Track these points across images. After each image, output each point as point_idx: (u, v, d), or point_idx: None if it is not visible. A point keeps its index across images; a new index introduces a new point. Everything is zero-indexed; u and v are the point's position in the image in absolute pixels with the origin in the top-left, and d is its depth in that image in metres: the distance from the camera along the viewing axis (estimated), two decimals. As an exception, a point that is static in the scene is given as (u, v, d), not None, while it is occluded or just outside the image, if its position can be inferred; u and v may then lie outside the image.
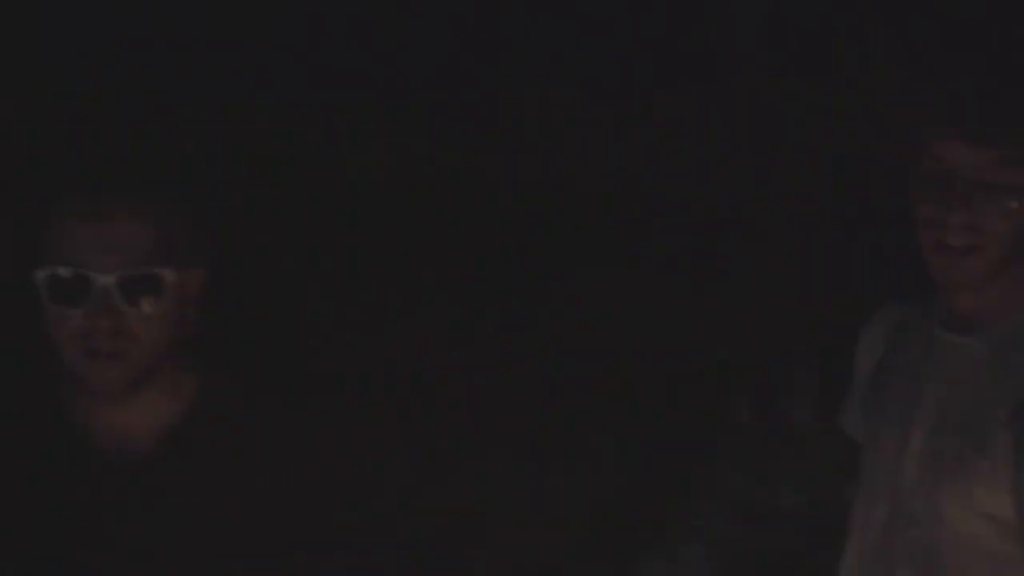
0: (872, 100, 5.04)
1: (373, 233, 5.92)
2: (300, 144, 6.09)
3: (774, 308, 5.42)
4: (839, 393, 2.55)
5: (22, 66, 5.90)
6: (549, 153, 5.99)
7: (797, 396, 5.28)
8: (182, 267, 2.31)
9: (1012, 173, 2.17)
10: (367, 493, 2.43)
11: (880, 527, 2.27)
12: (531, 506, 5.42)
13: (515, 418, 5.37)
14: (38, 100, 5.90)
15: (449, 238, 5.82)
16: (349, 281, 6.01)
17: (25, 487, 2.23)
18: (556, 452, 5.51)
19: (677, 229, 5.78)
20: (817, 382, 5.21)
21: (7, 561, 2.19)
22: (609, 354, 5.45)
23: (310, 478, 2.27)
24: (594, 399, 5.37)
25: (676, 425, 4.96)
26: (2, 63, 5.82)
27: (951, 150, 2.18)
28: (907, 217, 2.34)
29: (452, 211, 5.77)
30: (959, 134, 2.18)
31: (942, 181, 2.18)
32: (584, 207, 5.98)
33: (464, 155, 5.74)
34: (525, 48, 5.90)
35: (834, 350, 2.68)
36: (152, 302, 2.23)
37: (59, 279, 2.24)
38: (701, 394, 5.14)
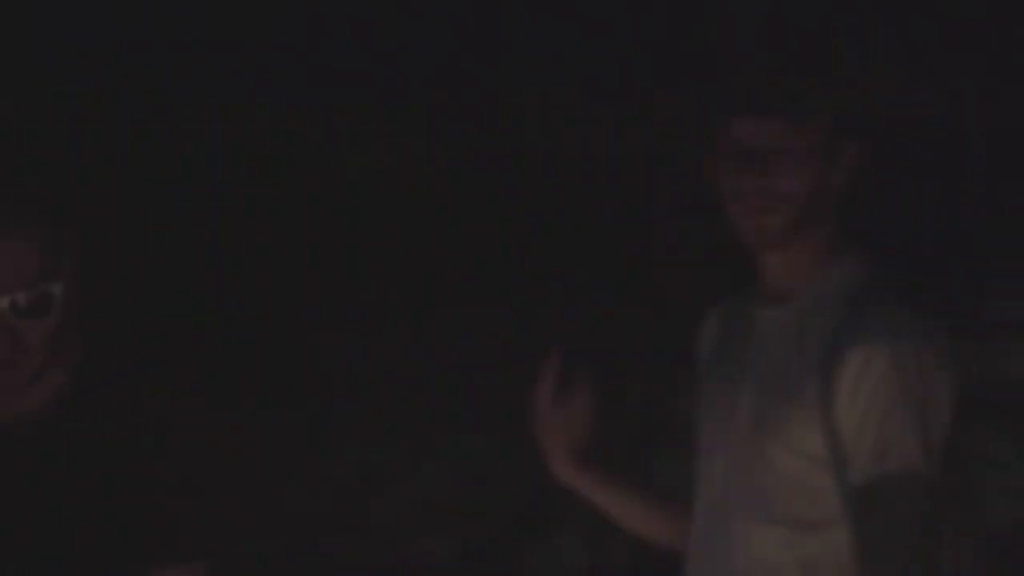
0: (872, 100, 5.05)
1: (372, 233, 5.92)
2: (300, 144, 6.09)
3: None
4: None
5: (19, 66, 5.91)
6: (550, 153, 6.00)
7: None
8: (69, 279, 2.41)
9: (796, 136, 2.45)
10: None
11: (718, 483, 2.56)
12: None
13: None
14: None
15: (448, 237, 5.83)
16: (348, 281, 6.01)
17: None
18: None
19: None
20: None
21: None
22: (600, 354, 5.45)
23: (157, 466, 2.50)
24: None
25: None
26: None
27: (739, 123, 2.46)
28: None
29: (452, 211, 5.78)
30: (743, 108, 2.47)
31: (737, 153, 2.46)
32: (584, 206, 5.99)
33: (464, 155, 5.75)
34: (525, 48, 5.90)
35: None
36: (44, 317, 2.36)
37: None
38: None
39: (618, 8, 5.74)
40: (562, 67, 5.87)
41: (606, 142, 6.07)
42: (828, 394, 2.43)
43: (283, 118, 6.10)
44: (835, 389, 2.43)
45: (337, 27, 6.04)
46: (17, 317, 2.34)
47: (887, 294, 2.50)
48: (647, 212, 5.85)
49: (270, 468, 5.52)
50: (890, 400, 2.40)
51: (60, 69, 5.97)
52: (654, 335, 5.45)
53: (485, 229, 5.74)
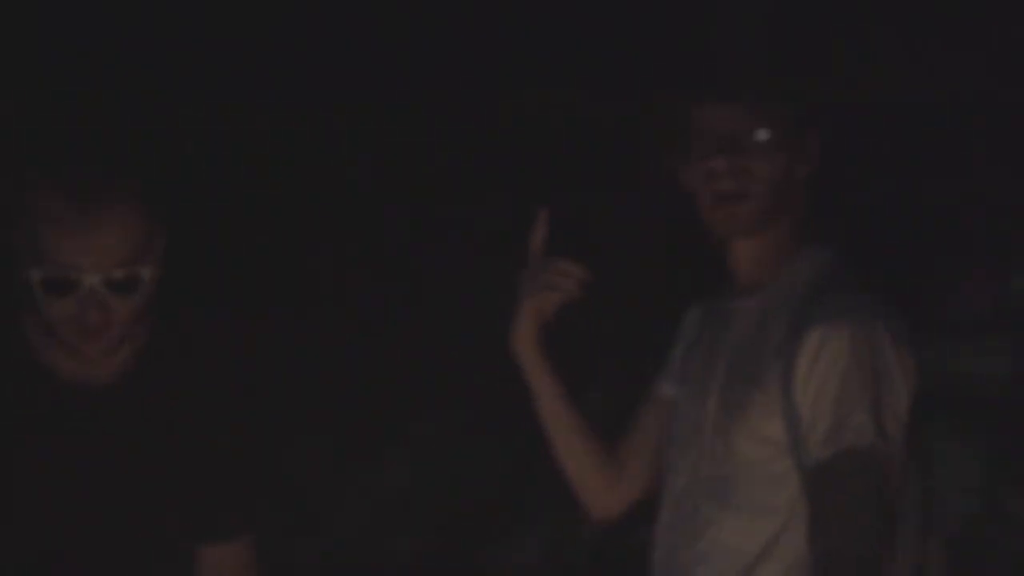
0: (872, 100, 5.05)
1: (372, 233, 5.92)
2: (300, 144, 6.09)
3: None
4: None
5: (20, 66, 5.90)
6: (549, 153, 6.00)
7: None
8: (155, 263, 2.70)
9: (765, 123, 2.49)
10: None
11: (687, 472, 2.60)
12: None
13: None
14: (34, 100, 5.90)
15: (448, 237, 5.83)
16: (347, 280, 6.02)
17: None
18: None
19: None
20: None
21: None
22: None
23: (239, 423, 2.75)
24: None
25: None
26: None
27: (711, 110, 2.51)
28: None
29: (452, 212, 5.78)
30: (716, 94, 2.51)
31: (710, 140, 2.50)
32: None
33: (465, 155, 5.75)
34: (525, 48, 5.90)
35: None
36: (133, 295, 2.63)
37: (52, 280, 2.57)
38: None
39: (618, 8, 5.75)
40: (562, 67, 5.87)
41: (607, 142, 6.07)
42: (788, 378, 2.48)
43: (283, 118, 6.09)
44: (793, 371, 2.47)
45: (337, 27, 6.04)
46: (110, 292, 2.57)
47: (848, 281, 2.54)
48: (645, 212, 5.85)
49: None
50: (844, 379, 2.43)
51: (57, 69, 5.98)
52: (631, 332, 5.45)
53: (484, 228, 5.74)
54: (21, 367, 2.67)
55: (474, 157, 5.72)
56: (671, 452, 2.69)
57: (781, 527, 2.50)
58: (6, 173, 2.87)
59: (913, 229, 5.01)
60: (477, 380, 5.04)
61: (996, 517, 4.72)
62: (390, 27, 5.98)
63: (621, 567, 4.62)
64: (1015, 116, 4.83)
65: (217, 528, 2.77)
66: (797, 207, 2.57)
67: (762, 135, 2.50)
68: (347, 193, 5.98)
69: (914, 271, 4.91)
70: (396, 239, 5.80)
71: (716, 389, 2.60)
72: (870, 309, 2.50)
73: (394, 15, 5.96)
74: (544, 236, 2.65)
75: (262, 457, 2.83)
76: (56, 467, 2.65)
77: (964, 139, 5.01)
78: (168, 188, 2.74)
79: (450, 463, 5.46)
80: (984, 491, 4.72)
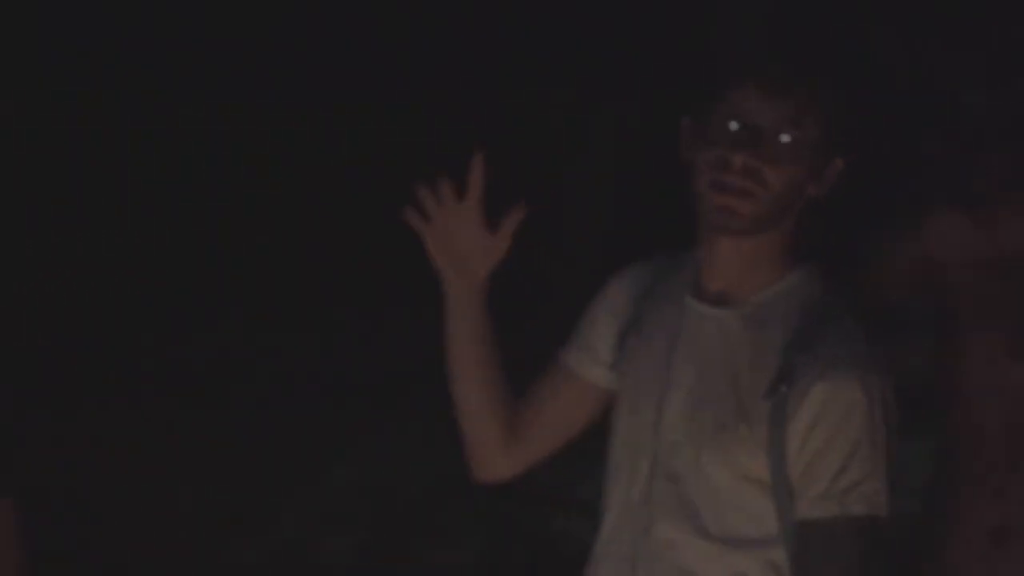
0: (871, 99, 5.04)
1: (372, 233, 5.92)
2: (300, 144, 6.09)
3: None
4: None
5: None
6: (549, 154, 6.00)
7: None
8: None
9: (796, 130, 2.36)
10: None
11: (643, 482, 2.45)
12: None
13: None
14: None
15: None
16: (348, 280, 6.02)
17: None
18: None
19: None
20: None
21: None
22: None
23: None
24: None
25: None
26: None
27: (746, 99, 2.37)
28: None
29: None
30: (756, 84, 2.37)
31: (733, 127, 2.36)
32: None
33: (465, 155, 5.73)
34: (525, 48, 5.90)
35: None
36: None
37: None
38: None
39: (618, 8, 5.75)
40: (562, 67, 5.87)
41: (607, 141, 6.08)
42: (781, 417, 2.35)
43: (283, 118, 6.10)
44: (792, 414, 2.34)
45: (337, 27, 6.04)
46: None
47: (845, 315, 2.42)
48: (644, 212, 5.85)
49: (171, 467, 5.53)
50: (857, 436, 2.33)
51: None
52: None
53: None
54: None
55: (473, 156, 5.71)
56: (615, 453, 2.53)
57: (756, 566, 2.39)
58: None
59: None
60: (417, 384, 5.03)
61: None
62: (390, 27, 5.99)
63: (557, 567, 4.60)
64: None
65: None
66: (792, 224, 2.45)
67: (788, 139, 2.38)
68: (346, 193, 5.99)
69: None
70: (380, 240, 5.80)
71: (680, 401, 2.45)
72: (873, 353, 2.38)
73: (394, 15, 5.97)
74: (481, 181, 2.52)
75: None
76: None
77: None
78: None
79: (388, 464, 5.45)
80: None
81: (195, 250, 6.19)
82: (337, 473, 5.45)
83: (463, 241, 2.52)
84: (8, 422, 2.69)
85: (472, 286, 2.54)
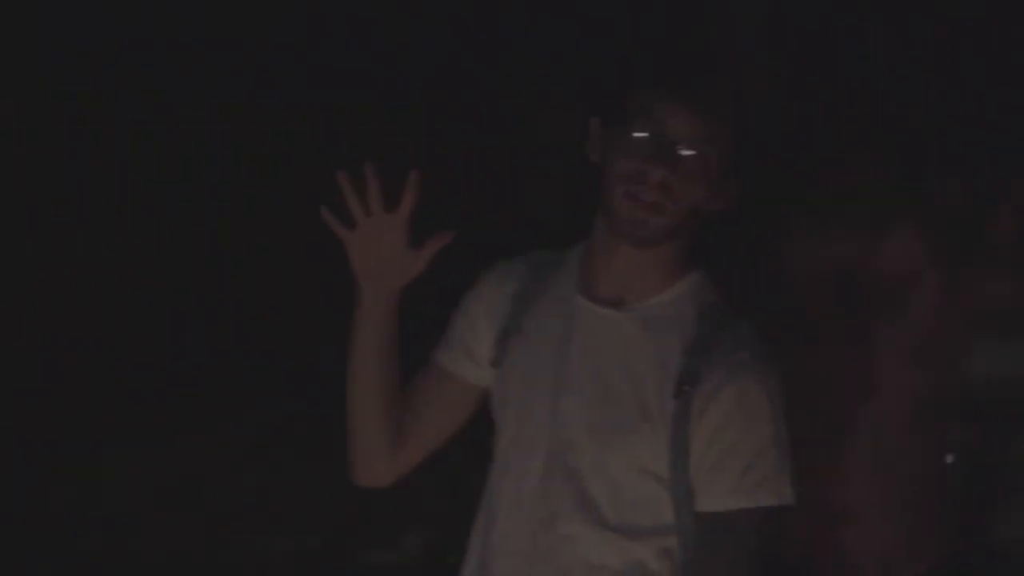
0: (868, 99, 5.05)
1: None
2: (300, 144, 6.09)
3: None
4: None
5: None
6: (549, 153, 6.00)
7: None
8: None
9: (712, 148, 2.42)
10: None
11: (537, 478, 2.50)
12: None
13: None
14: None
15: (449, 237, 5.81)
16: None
17: None
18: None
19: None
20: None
21: None
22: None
23: None
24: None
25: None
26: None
27: (670, 114, 2.40)
28: None
29: (453, 212, 5.76)
30: (682, 101, 2.41)
31: (654, 141, 2.40)
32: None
33: (466, 154, 5.74)
34: (525, 48, 5.89)
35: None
36: None
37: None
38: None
39: (618, 8, 5.74)
40: (562, 67, 5.86)
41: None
42: (686, 416, 2.41)
43: (283, 118, 6.09)
44: (698, 414, 2.40)
45: (337, 27, 6.04)
46: None
47: (738, 318, 2.49)
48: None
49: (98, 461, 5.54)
50: (764, 435, 2.41)
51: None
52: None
53: (482, 230, 5.74)
54: None
55: (475, 156, 5.72)
56: (505, 449, 2.57)
57: (651, 554, 2.46)
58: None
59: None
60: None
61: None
62: (390, 27, 5.98)
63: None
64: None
65: None
66: (688, 235, 2.52)
67: (704, 157, 2.43)
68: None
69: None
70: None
71: (576, 402, 2.49)
72: (770, 355, 2.46)
73: (394, 15, 5.97)
74: (414, 199, 2.55)
75: None
76: None
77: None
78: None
79: (332, 462, 5.46)
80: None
81: (195, 250, 6.19)
82: (279, 471, 5.45)
83: (384, 253, 2.52)
84: None
85: (386, 298, 2.54)
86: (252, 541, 5.09)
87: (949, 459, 6.43)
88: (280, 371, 5.94)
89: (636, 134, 2.41)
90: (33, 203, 6.07)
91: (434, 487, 2.61)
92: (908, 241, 2.99)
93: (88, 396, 5.91)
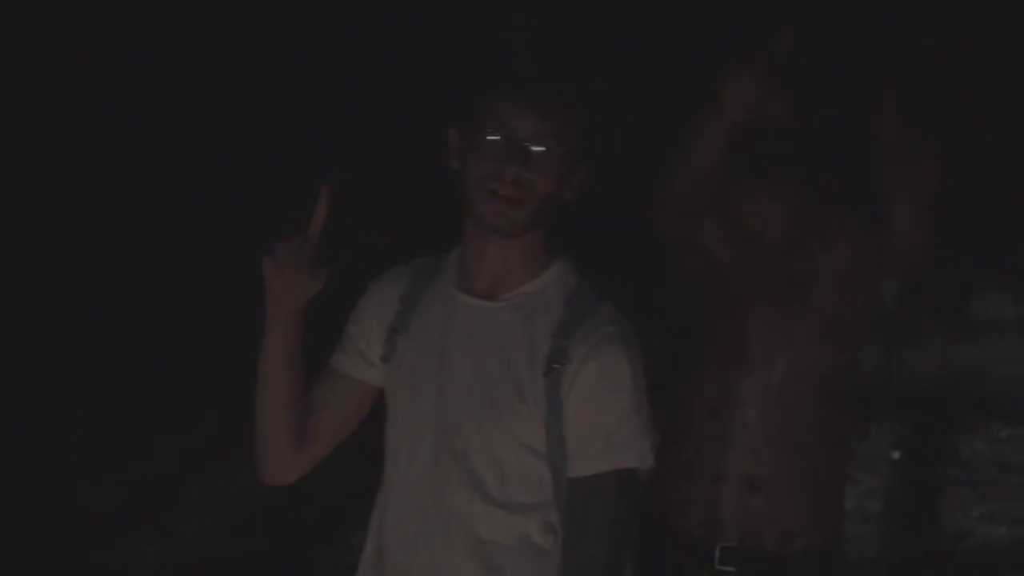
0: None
1: (374, 234, 5.93)
2: (299, 144, 6.10)
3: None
4: None
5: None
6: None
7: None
8: None
9: (559, 143, 2.59)
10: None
11: (426, 462, 2.68)
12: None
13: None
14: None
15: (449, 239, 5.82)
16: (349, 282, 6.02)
17: None
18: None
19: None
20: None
21: None
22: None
23: None
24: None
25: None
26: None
27: (516, 115, 2.59)
28: None
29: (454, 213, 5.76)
30: (526, 101, 2.60)
31: (503, 142, 2.59)
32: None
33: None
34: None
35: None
36: None
37: None
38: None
39: (618, 8, 5.74)
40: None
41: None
42: (557, 391, 2.59)
43: (283, 118, 6.11)
44: (567, 388, 2.60)
45: (337, 27, 6.05)
46: None
47: (603, 301, 2.66)
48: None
49: (67, 464, 5.55)
50: (626, 401, 2.58)
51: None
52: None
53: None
54: None
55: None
56: (395, 438, 2.73)
57: (536, 527, 2.65)
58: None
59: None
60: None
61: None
62: (390, 27, 5.99)
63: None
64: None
65: None
66: (544, 223, 2.69)
67: (553, 152, 2.61)
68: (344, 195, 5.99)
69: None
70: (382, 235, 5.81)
71: (461, 388, 2.66)
72: (630, 330, 2.64)
73: (394, 15, 5.97)
74: (324, 218, 2.66)
75: None
76: None
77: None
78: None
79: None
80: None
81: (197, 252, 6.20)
82: (237, 473, 5.47)
83: (293, 268, 2.65)
84: None
85: (293, 310, 2.68)
86: (208, 543, 5.12)
87: (895, 455, 6.50)
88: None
89: (489, 138, 2.59)
90: (33, 203, 6.09)
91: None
92: (809, 214, 3.08)
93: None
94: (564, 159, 2.62)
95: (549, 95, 2.63)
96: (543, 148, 2.61)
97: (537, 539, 2.65)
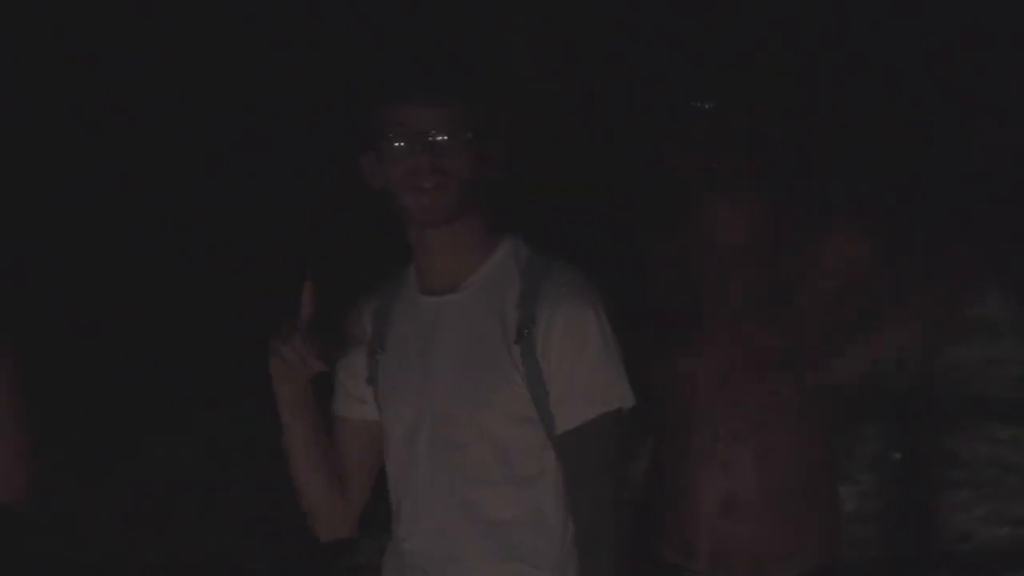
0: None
1: (376, 234, 5.90)
2: (299, 144, 6.08)
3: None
4: None
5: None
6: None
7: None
8: None
9: (460, 123, 2.69)
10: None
11: (426, 460, 2.74)
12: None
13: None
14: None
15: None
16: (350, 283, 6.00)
17: None
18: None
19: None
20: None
21: None
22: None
23: None
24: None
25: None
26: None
27: (410, 112, 2.69)
28: None
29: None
30: (413, 97, 2.70)
31: (408, 140, 2.69)
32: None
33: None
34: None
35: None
36: None
37: None
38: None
39: (618, 8, 5.74)
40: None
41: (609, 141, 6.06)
42: (532, 353, 2.67)
43: (283, 118, 6.10)
44: (540, 347, 2.67)
45: (337, 27, 6.04)
46: None
47: (555, 261, 2.76)
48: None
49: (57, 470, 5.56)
50: (596, 346, 2.66)
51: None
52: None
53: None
54: None
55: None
56: (395, 447, 2.81)
57: (546, 495, 2.71)
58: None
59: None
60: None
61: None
62: (389, 27, 5.98)
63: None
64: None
65: None
66: (485, 203, 2.77)
67: (456, 135, 2.70)
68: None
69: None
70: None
71: (444, 381, 2.73)
72: (591, 285, 2.73)
73: (393, 15, 5.96)
74: (311, 308, 2.75)
75: None
76: None
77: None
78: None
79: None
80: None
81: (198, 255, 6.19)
82: (243, 484, 5.47)
83: (288, 355, 2.75)
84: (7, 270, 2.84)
85: (301, 391, 2.80)
86: (203, 542, 5.12)
87: (896, 456, 6.49)
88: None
89: (395, 144, 2.70)
90: (32, 203, 6.08)
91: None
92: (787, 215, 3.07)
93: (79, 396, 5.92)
94: (471, 139, 2.70)
95: (432, 83, 2.71)
96: (445, 135, 2.68)
97: (547, 506, 2.70)
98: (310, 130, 6.11)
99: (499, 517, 2.71)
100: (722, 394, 3.07)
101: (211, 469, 5.70)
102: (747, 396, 3.06)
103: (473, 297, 2.76)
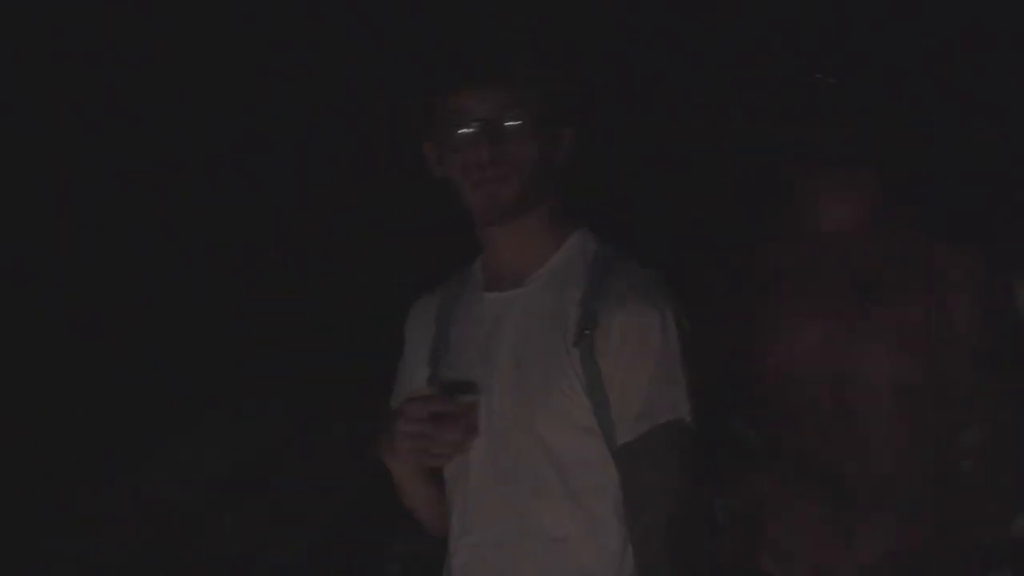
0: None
1: (376, 235, 5.91)
2: (300, 146, 6.08)
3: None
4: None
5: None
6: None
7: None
8: None
9: (520, 110, 2.55)
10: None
11: (486, 470, 2.62)
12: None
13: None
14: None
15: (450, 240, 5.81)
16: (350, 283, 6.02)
17: None
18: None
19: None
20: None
21: None
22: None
23: None
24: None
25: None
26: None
27: (468, 100, 2.55)
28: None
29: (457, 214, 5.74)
30: (468, 83, 2.56)
31: (465, 129, 2.55)
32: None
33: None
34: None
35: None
36: None
37: None
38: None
39: (618, 9, 5.73)
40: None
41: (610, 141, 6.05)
42: (591, 355, 2.53)
43: (285, 118, 6.09)
44: (600, 350, 2.52)
45: (337, 27, 6.04)
46: None
47: (625, 261, 2.61)
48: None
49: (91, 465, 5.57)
50: (654, 360, 2.51)
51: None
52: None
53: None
54: None
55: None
56: (456, 459, 2.68)
57: (608, 511, 2.56)
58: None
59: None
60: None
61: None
62: (389, 27, 5.98)
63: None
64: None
65: None
66: (554, 192, 2.64)
67: (520, 119, 2.56)
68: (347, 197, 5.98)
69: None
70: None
71: (506, 383, 2.61)
72: (660, 288, 2.57)
73: (393, 15, 5.96)
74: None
75: None
76: None
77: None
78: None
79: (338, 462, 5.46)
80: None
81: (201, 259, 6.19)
82: (285, 478, 5.47)
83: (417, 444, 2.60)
84: None
85: (412, 469, 2.71)
86: (204, 542, 5.13)
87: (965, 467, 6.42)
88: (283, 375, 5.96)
89: (458, 131, 2.56)
90: (34, 204, 6.08)
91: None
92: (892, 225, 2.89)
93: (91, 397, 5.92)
94: (536, 125, 2.57)
95: (495, 67, 2.57)
96: (509, 120, 2.55)
97: (612, 524, 2.56)
98: (310, 130, 6.11)
99: (555, 533, 2.58)
100: (832, 395, 2.90)
101: (208, 467, 5.70)
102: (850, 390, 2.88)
103: (537, 293, 2.63)
